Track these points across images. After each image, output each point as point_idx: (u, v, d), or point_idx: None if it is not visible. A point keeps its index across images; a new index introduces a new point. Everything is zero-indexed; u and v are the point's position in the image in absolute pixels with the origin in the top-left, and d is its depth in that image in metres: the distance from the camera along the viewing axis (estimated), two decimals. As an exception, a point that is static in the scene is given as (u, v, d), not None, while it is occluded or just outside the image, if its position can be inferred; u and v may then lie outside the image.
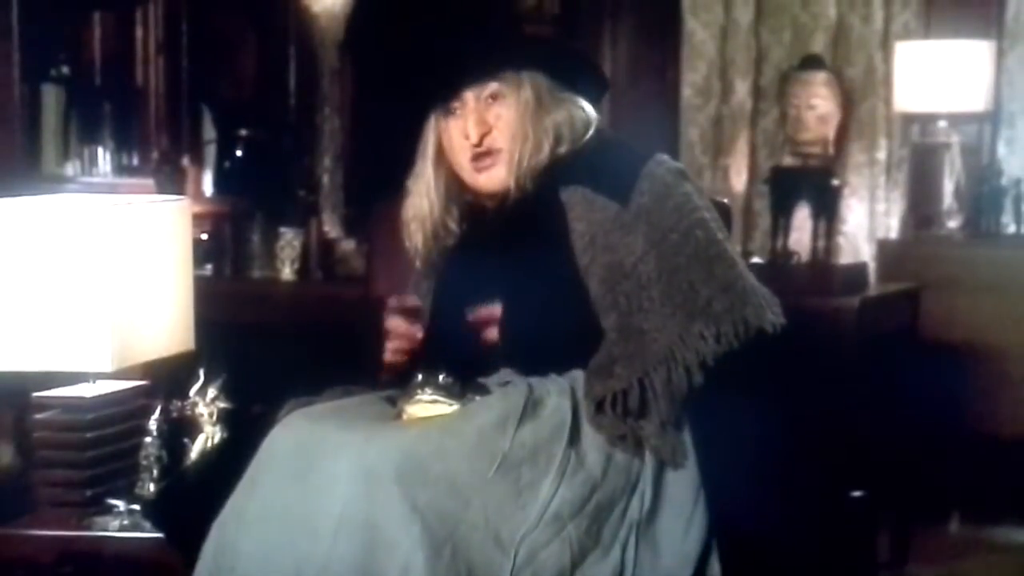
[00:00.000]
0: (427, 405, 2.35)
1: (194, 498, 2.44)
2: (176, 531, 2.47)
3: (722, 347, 2.35)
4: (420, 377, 2.36)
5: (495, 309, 2.45)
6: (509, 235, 2.49)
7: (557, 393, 2.38)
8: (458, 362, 2.39)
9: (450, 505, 2.20)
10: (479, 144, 2.49)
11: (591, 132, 2.54)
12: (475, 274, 2.51)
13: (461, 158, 2.53)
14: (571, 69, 2.57)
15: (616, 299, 2.40)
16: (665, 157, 2.54)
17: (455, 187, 2.57)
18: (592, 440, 2.34)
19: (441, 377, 2.36)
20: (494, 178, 2.52)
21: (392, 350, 2.53)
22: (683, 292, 2.38)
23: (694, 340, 2.35)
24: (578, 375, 2.40)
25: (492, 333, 2.45)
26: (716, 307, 2.37)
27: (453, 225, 2.58)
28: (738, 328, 2.36)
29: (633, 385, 2.33)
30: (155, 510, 2.60)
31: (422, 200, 2.57)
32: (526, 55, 2.53)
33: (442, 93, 2.52)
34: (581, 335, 2.41)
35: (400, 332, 2.52)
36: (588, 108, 2.56)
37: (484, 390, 2.40)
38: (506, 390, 2.39)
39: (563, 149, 2.52)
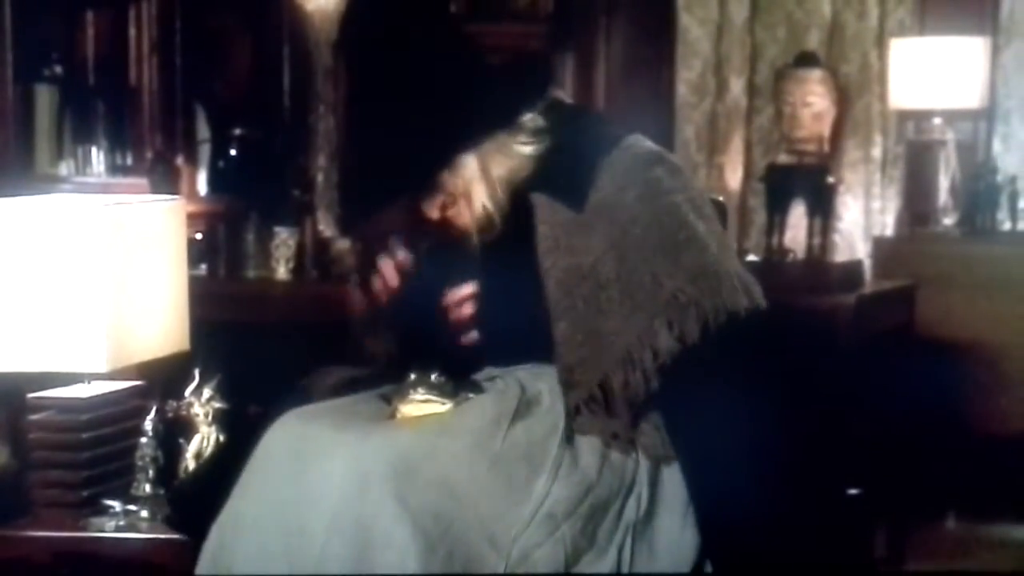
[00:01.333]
0: (420, 404, 2.35)
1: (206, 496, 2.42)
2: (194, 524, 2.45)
3: (685, 345, 2.32)
4: (413, 377, 2.36)
5: (467, 288, 2.43)
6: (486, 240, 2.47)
7: (549, 393, 2.37)
8: (435, 357, 2.38)
9: (444, 505, 2.20)
10: (442, 214, 2.47)
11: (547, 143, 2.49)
12: (447, 273, 2.49)
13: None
14: (505, 104, 2.50)
15: (574, 303, 2.36)
16: (635, 139, 2.48)
17: None
18: (587, 441, 2.33)
19: (434, 376, 2.35)
20: (460, 220, 2.49)
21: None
22: (645, 288, 2.34)
23: (652, 339, 2.32)
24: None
25: (466, 310, 2.43)
26: (681, 299, 2.33)
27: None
28: (707, 317, 2.32)
29: (595, 390, 2.32)
30: (180, 503, 2.58)
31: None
32: (463, 145, 2.46)
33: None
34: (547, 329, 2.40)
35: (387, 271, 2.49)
36: (536, 136, 2.48)
37: (478, 388, 2.39)
38: (499, 389, 2.38)
39: (521, 177, 2.47)
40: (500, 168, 2.45)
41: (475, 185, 2.43)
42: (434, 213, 2.46)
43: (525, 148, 2.46)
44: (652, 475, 2.34)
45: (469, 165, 2.43)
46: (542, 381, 2.39)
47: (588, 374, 2.33)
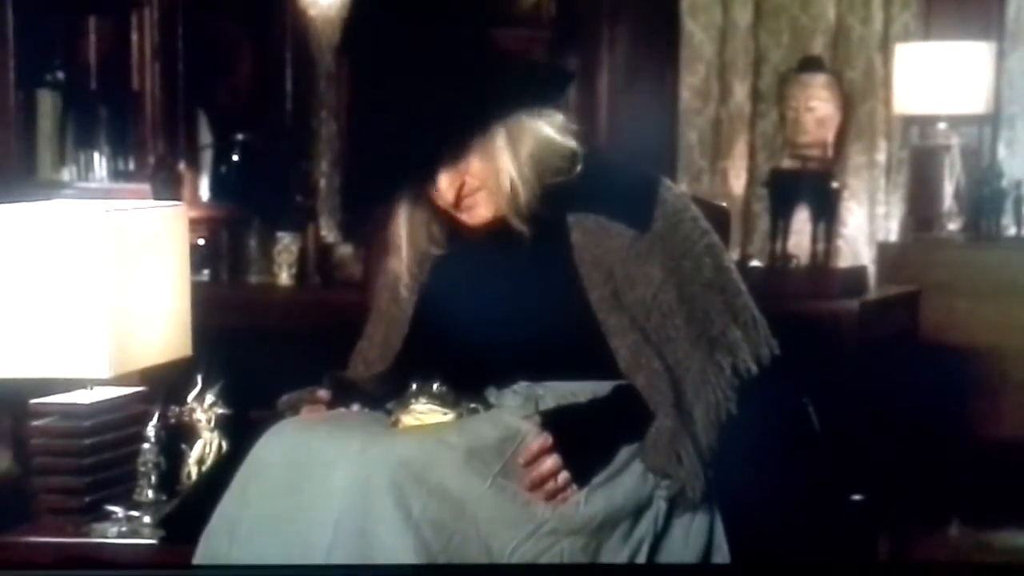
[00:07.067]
0: (421, 414, 2.33)
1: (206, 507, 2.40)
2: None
3: (738, 378, 2.34)
4: (414, 386, 2.34)
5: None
6: (507, 249, 2.44)
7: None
8: (449, 371, 2.36)
9: (445, 515, 2.18)
10: (457, 199, 2.43)
11: (581, 152, 2.45)
12: (468, 284, 2.47)
13: (442, 203, 2.45)
14: (533, 87, 2.46)
15: (647, 336, 2.36)
16: (667, 180, 2.51)
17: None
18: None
19: (435, 386, 2.33)
20: (477, 216, 2.43)
21: None
22: (700, 321, 2.36)
23: (718, 369, 2.34)
24: (585, 389, 2.38)
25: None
26: (731, 336, 2.37)
27: (436, 245, 2.52)
28: (749, 361, 2.37)
29: (680, 430, 2.31)
30: (176, 522, 2.56)
31: (401, 231, 2.52)
32: (491, 115, 2.39)
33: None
34: (583, 348, 2.38)
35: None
36: (563, 131, 2.45)
37: (481, 399, 2.38)
38: (512, 407, 2.36)
39: (550, 171, 2.44)
40: (527, 146, 2.40)
41: (502, 157, 2.39)
42: (450, 195, 2.41)
43: (554, 133, 2.43)
44: (671, 501, 2.32)
45: (497, 134, 2.39)
46: (565, 399, 2.36)
47: (665, 400, 2.33)
